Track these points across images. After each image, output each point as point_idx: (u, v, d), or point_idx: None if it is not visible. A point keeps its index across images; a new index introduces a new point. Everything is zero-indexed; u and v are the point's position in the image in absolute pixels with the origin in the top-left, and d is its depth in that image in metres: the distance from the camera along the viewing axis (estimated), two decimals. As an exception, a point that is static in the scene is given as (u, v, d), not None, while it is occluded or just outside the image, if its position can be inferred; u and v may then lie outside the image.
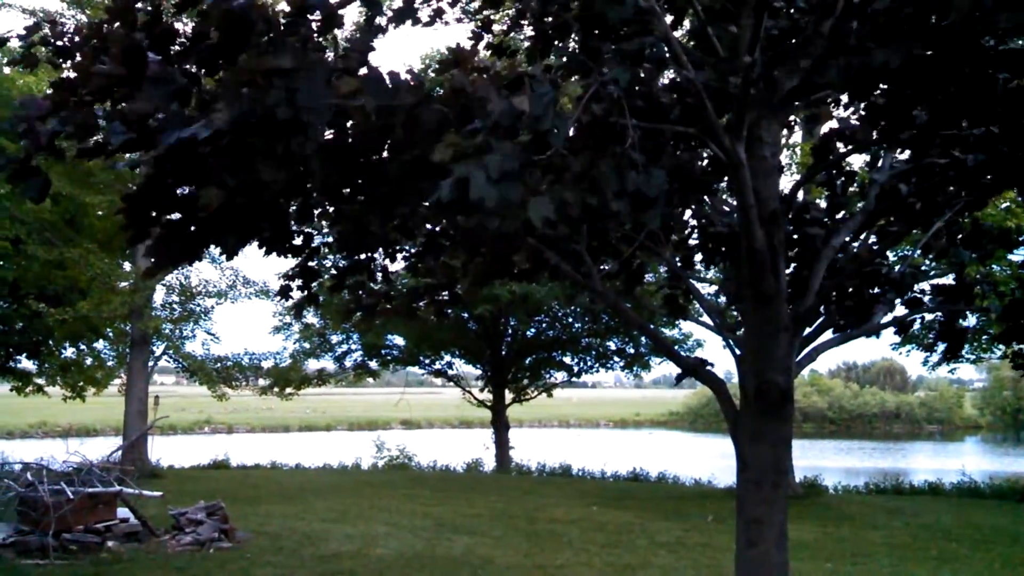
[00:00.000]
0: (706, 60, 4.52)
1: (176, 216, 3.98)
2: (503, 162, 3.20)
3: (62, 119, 3.71)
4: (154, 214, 3.94)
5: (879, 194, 5.44)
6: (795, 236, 5.56)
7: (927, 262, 6.38)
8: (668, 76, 5.02)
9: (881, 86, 4.18)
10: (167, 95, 3.48)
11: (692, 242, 6.08)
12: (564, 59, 4.69)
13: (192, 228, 3.98)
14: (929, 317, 6.11)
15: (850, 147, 5.29)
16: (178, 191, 3.88)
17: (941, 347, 19.16)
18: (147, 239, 4.02)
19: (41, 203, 4.31)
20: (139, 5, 3.79)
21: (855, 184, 5.78)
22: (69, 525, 10.21)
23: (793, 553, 5.69)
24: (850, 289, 5.48)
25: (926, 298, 5.85)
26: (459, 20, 5.84)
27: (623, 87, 3.75)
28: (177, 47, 3.78)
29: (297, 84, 3.30)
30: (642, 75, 4.33)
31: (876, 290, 5.52)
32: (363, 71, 3.58)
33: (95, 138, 3.76)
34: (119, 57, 3.52)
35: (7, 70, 19.89)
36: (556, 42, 4.96)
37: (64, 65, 4.02)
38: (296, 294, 5.59)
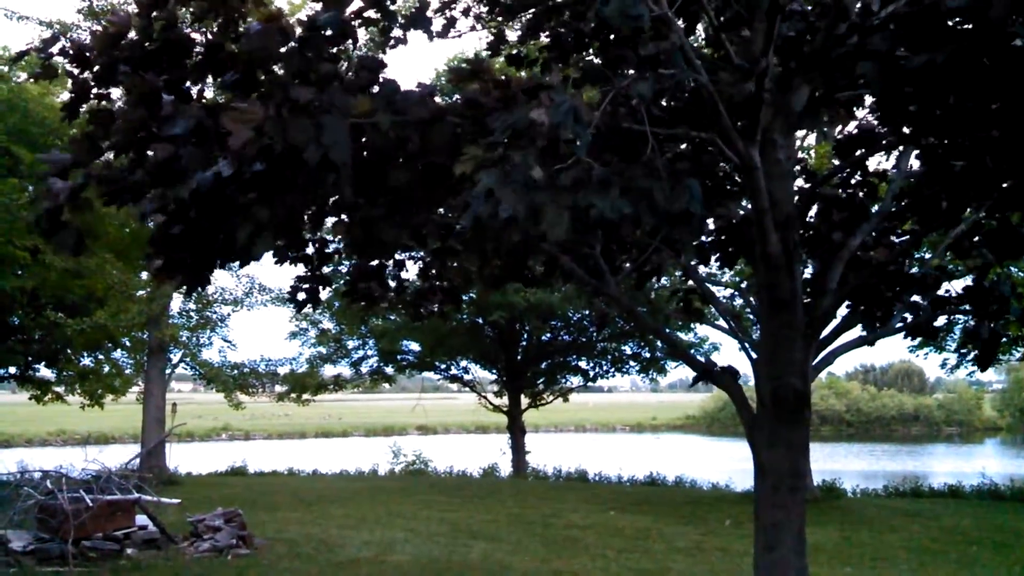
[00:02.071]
0: (720, 65, 4.51)
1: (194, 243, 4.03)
2: (527, 171, 3.19)
3: (87, 176, 3.76)
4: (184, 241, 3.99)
5: (897, 195, 5.42)
6: (810, 235, 5.54)
7: (948, 263, 6.30)
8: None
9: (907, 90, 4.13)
10: (185, 133, 3.51)
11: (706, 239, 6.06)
12: (581, 68, 4.69)
13: (208, 252, 4.03)
14: (942, 321, 6.04)
15: (869, 149, 5.26)
16: (195, 224, 3.92)
17: (969, 352, 18.95)
18: (172, 268, 4.07)
19: (78, 256, 4.39)
20: (155, 14, 3.83)
21: (879, 184, 5.73)
22: (88, 532, 10.27)
23: (811, 557, 5.66)
24: (870, 291, 5.44)
25: (952, 298, 5.78)
26: (472, 28, 5.85)
27: (647, 98, 3.74)
28: (193, 58, 3.82)
29: (320, 120, 3.32)
30: (660, 83, 4.32)
31: (896, 291, 5.47)
32: (375, 88, 3.61)
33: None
34: (137, 100, 3.56)
35: (21, 77, 20.03)
36: (573, 53, 4.96)
37: (81, 75, 4.06)
38: (304, 297, 5.63)
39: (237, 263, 4.12)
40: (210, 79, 4.05)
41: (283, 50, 3.61)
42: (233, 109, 3.35)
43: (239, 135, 3.29)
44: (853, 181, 5.72)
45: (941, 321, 5.84)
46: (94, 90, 3.99)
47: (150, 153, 3.69)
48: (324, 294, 5.83)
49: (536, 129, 3.30)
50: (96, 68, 3.92)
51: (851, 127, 5.38)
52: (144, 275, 21.46)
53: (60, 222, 3.85)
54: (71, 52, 4.02)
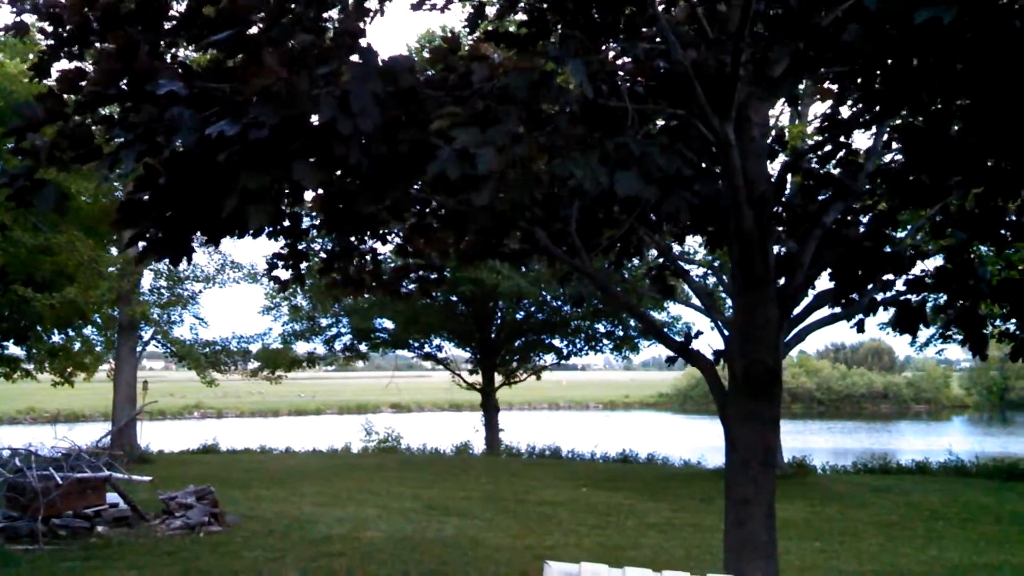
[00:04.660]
0: (695, 40, 4.50)
1: (167, 215, 3.96)
2: (504, 128, 3.16)
3: (60, 132, 3.65)
4: (152, 213, 3.92)
5: (872, 174, 5.44)
6: (787, 212, 5.55)
7: (920, 242, 6.34)
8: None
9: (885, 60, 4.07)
10: (180, 92, 3.43)
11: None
12: (563, 39, 4.65)
13: (185, 226, 3.96)
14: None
15: (850, 125, 5.27)
16: (167, 192, 3.84)
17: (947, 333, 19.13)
18: (143, 240, 4.00)
19: (63, 215, 4.14)
20: None
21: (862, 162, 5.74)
22: (58, 510, 10.19)
23: (781, 532, 5.72)
24: (846, 269, 5.46)
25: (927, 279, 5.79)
26: (449, 1, 5.79)
27: (637, 55, 3.71)
28: (168, 21, 3.75)
29: (346, 88, 3.26)
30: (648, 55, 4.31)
31: (869, 269, 5.49)
32: (355, 57, 3.57)
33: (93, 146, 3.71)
34: (114, 54, 3.48)
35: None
36: (554, 27, 4.91)
37: (53, 32, 3.97)
38: (283, 274, 5.58)
39: (216, 236, 4.04)
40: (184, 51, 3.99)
41: (262, 15, 3.56)
42: (251, 68, 3.27)
43: (266, 112, 3.21)
44: (835, 158, 5.73)
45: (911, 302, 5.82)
46: (65, 49, 3.91)
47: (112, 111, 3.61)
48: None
49: (558, 90, 3.26)
50: (69, 27, 3.83)
51: (828, 105, 5.38)
52: (114, 251, 21.26)
53: (38, 181, 3.71)
54: (44, 9, 3.93)
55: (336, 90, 3.32)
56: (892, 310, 5.59)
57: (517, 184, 3.23)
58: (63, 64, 3.94)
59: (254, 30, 3.69)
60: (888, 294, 5.56)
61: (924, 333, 20.78)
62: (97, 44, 3.91)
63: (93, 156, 3.68)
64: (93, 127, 3.76)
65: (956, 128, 4.56)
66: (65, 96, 3.65)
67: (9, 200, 3.75)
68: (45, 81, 4.13)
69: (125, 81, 3.54)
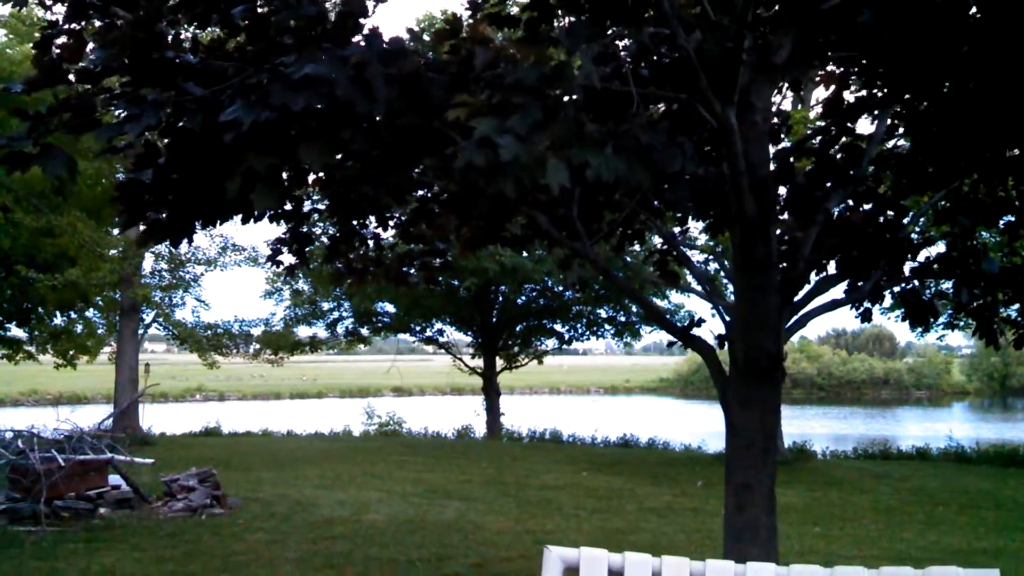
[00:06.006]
0: (697, 23, 4.47)
1: (169, 197, 3.94)
2: (527, 117, 3.15)
3: (62, 102, 3.62)
4: (147, 198, 3.91)
5: (875, 160, 5.42)
6: (791, 197, 5.54)
7: (924, 227, 6.32)
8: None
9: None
10: (199, 65, 3.41)
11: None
12: (568, 25, 4.63)
13: (186, 208, 3.94)
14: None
15: (856, 111, 5.24)
16: (168, 172, 3.83)
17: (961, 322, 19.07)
18: (140, 223, 3.98)
19: (73, 179, 4.01)
20: None
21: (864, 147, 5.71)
22: (60, 492, 10.23)
23: (781, 517, 5.73)
24: (849, 254, 5.44)
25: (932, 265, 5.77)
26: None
27: (644, 42, 3.68)
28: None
29: (365, 73, 3.25)
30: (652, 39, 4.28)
31: (872, 255, 5.48)
32: (359, 38, 3.55)
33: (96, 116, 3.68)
34: (135, 24, 3.45)
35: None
36: (559, 10, 4.89)
37: (54, 8, 3.96)
38: (288, 258, 5.58)
39: (219, 219, 4.02)
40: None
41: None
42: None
43: (283, 96, 3.20)
44: (838, 143, 5.71)
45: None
46: (65, 26, 3.88)
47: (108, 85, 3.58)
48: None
49: (568, 80, 3.25)
50: (68, 3, 3.80)
51: (831, 90, 5.35)
52: (116, 232, 21.25)
53: (46, 146, 3.62)
54: None
55: (350, 70, 3.30)
56: (895, 290, 5.58)
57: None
58: (63, 40, 3.92)
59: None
60: (896, 284, 5.54)
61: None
62: (96, 22, 3.89)
63: (95, 126, 3.63)
64: (96, 98, 3.72)
65: (964, 112, 4.53)
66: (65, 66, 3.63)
67: (6, 163, 3.63)
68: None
69: (130, 56, 3.51)
